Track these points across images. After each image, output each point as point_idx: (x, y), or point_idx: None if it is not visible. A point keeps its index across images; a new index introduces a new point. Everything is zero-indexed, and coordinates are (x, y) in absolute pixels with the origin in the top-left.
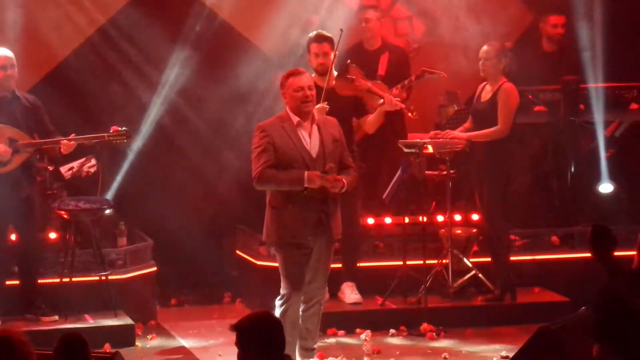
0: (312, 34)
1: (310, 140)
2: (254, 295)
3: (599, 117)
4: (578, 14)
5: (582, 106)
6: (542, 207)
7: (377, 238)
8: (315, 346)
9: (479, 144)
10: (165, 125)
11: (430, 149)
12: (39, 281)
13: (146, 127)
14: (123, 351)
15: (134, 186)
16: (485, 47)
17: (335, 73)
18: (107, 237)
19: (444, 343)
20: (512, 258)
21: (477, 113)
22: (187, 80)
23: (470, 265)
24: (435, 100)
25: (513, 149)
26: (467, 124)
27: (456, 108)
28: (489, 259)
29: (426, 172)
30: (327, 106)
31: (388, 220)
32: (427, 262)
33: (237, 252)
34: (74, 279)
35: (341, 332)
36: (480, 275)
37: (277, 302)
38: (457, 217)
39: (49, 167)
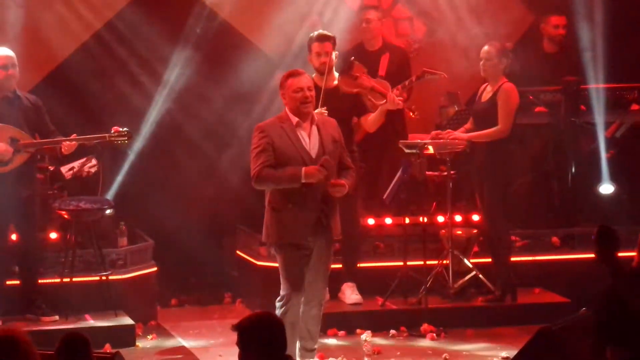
0: (314, 33)
1: (310, 141)
2: (254, 295)
3: (599, 118)
4: (579, 14)
5: (582, 107)
6: (542, 208)
7: (378, 238)
8: (315, 346)
9: (479, 145)
10: (166, 125)
11: (430, 150)
12: (40, 281)
13: (147, 127)
14: (123, 351)
15: (134, 186)
16: (486, 47)
17: (336, 74)
18: (108, 237)
19: (444, 344)
20: (512, 259)
21: (478, 113)
22: (187, 80)
23: (470, 265)
24: (436, 101)
25: (514, 149)
26: (467, 125)
27: (457, 109)
28: (489, 260)
29: (427, 172)
30: (326, 111)
31: (388, 220)
32: (428, 262)
33: (238, 252)
34: (74, 279)
35: (341, 332)
36: (480, 276)
37: (277, 304)
38: (458, 218)
39: (49, 167)
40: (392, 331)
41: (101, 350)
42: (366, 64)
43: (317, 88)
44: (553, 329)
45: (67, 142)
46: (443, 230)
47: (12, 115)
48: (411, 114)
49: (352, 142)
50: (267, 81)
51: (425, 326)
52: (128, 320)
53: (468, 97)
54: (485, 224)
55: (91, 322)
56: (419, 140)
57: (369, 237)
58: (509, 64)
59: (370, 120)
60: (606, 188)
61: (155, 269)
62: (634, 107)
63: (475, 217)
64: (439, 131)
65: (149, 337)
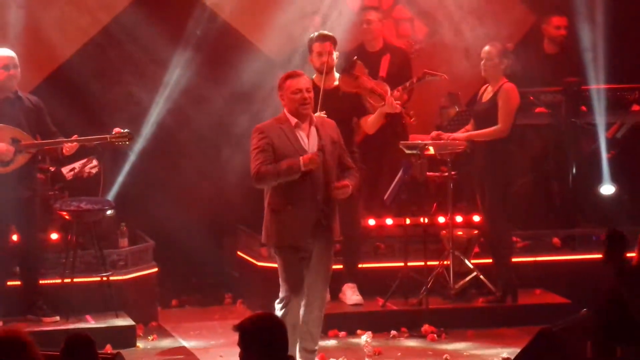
0: (314, 33)
1: (309, 142)
2: (255, 296)
3: (600, 118)
4: (580, 15)
5: (583, 108)
6: (543, 209)
7: (378, 239)
8: (316, 347)
9: (480, 146)
10: (167, 126)
11: (431, 151)
12: (41, 282)
13: (148, 127)
14: (124, 352)
15: (135, 187)
16: (486, 48)
17: (336, 75)
18: (109, 237)
19: (445, 344)
20: (513, 259)
21: (478, 114)
22: (188, 81)
23: (471, 266)
24: (437, 102)
25: (514, 150)
26: (468, 127)
27: (457, 110)
28: (490, 261)
29: (427, 173)
30: (325, 115)
31: (389, 221)
32: (429, 263)
33: (238, 253)
34: (75, 280)
35: (342, 333)
36: (481, 276)
37: (277, 306)
38: (459, 219)
39: (50, 167)
40: (393, 332)
41: (102, 351)
42: (367, 65)
43: (318, 88)
44: (554, 329)
45: (68, 143)
46: (444, 231)
47: (13, 116)
48: (409, 119)
49: (352, 143)
50: (267, 82)
51: (426, 327)
52: (129, 321)
53: (469, 97)
54: (486, 225)
55: (92, 322)
56: (419, 141)
57: (370, 238)
58: (509, 64)
59: (369, 122)
60: (607, 189)
61: (155, 269)
62: (635, 107)
63: (476, 218)
64: (439, 132)
65: (150, 337)
